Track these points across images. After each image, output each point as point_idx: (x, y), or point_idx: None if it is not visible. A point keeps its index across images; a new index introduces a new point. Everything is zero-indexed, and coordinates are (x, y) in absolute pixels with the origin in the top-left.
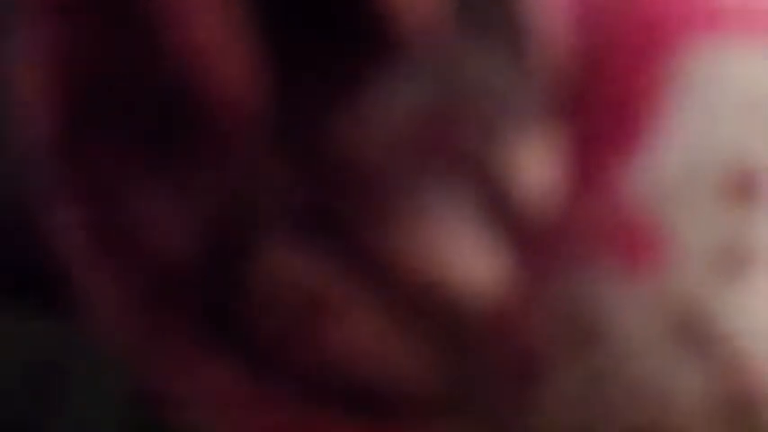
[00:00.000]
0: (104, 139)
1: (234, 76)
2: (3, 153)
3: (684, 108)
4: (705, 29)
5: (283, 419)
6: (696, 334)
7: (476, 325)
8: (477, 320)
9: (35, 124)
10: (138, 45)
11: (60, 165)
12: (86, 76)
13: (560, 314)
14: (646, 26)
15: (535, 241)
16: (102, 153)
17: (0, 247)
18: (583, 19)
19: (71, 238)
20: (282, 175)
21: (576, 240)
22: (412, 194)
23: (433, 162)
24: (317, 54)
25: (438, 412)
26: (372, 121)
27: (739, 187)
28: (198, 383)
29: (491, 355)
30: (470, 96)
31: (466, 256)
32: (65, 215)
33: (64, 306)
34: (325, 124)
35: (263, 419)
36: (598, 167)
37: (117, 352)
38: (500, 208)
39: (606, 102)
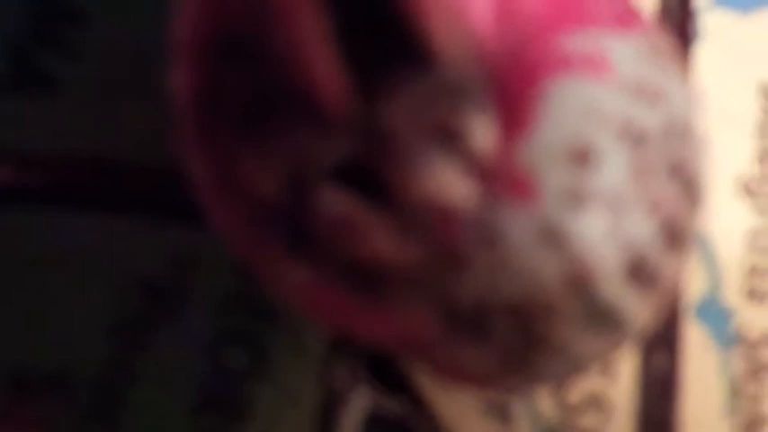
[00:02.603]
0: (226, 123)
1: (323, 75)
2: (166, 130)
3: (551, 111)
4: (563, 67)
5: (329, 292)
6: (555, 239)
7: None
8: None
9: (184, 111)
10: (258, 61)
11: (199, 137)
12: (214, 87)
13: (481, 223)
14: (530, 60)
15: (479, 176)
16: (223, 131)
17: (162, 184)
18: (498, 48)
19: (203, 180)
20: (339, 140)
21: (495, 180)
22: (418, 151)
23: (430, 132)
24: (374, 61)
25: (416, 285)
26: (400, 106)
27: (581, 156)
28: (279, 270)
29: (438, 244)
30: (450, 93)
31: (447, 184)
32: (200, 167)
33: (198, 221)
34: (374, 108)
35: (318, 292)
36: (504, 140)
37: (230, 250)
38: (465, 157)
39: (508, 102)
